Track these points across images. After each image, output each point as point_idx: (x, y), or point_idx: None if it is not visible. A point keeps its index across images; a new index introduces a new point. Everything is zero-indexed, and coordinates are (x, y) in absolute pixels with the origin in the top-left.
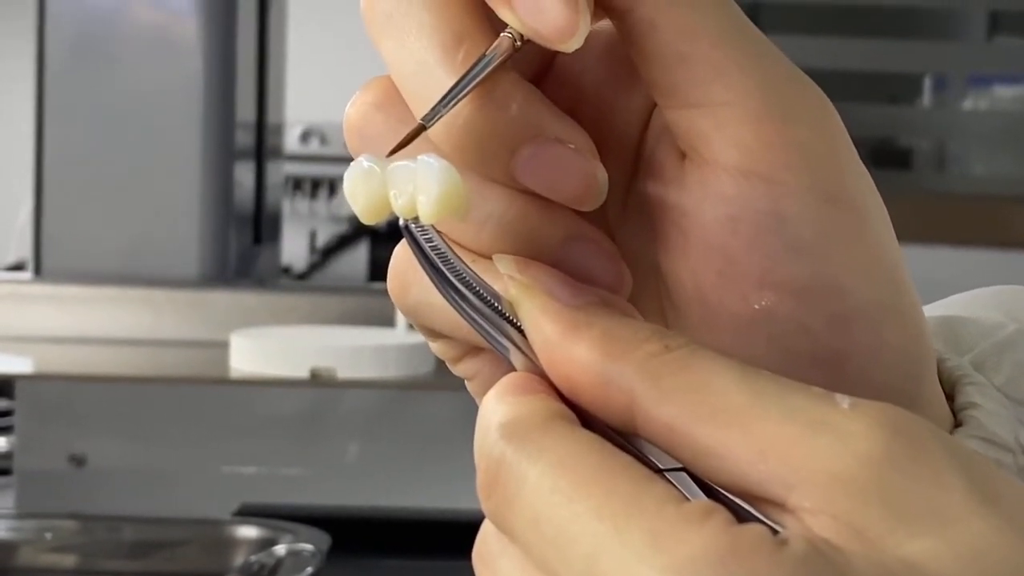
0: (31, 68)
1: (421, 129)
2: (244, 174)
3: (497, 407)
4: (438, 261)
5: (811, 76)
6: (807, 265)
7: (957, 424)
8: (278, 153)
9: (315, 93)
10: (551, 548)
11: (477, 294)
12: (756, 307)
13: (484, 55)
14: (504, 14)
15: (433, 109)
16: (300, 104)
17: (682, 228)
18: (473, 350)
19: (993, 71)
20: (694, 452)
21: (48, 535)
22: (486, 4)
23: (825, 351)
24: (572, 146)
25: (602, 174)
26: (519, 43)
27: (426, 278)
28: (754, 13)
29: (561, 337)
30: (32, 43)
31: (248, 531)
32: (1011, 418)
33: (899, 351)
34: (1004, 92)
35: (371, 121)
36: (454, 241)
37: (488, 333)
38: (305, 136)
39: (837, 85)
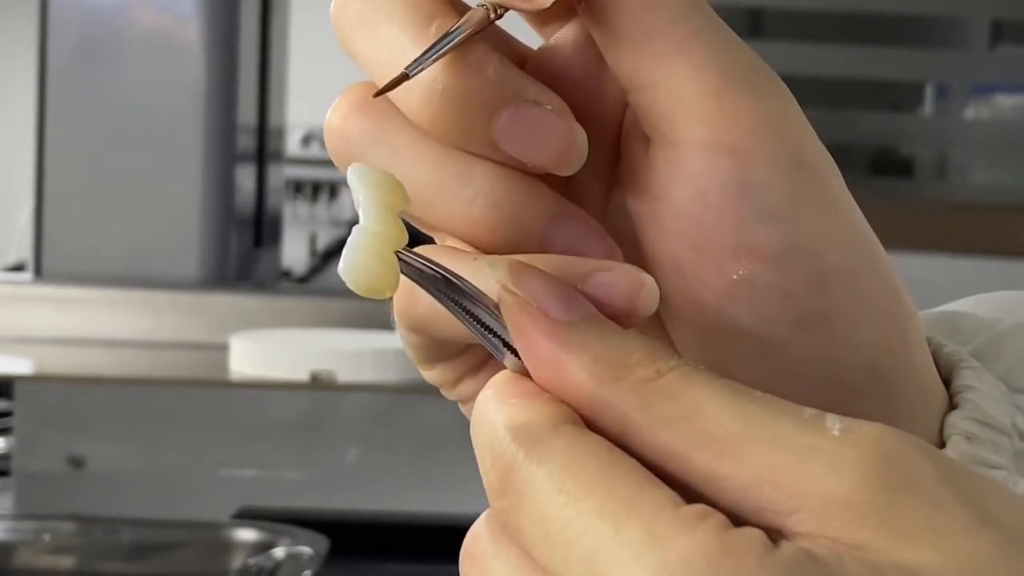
0: (33, 70)
1: (404, 77)
2: (245, 177)
3: (503, 409)
4: (431, 267)
5: (813, 83)
6: (780, 230)
7: (953, 407)
8: (279, 156)
9: (317, 97)
10: (555, 546)
11: (472, 299)
12: (734, 277)
13: (460, 21)
14: None
15: (416, 60)
16: (301, 108)
17: (655, 212)
18: (471, 370)
19: (995, 80)
20: (689, 479)
21: (46, 537)
22: None
23: (808, 314)
24: (549, 107)
25: (581, 135)
26: (493, 16)
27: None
28: (756, 20)
29: (553, 359)
30: (34, 45)
31: (247, 534)
32: (1009, 402)
33: (881, 309)
34: (1006, 101)
35: (351, 122)
36: (447, 230)
37: (485, 336)
38: (306, 140)
39: (839, 93)
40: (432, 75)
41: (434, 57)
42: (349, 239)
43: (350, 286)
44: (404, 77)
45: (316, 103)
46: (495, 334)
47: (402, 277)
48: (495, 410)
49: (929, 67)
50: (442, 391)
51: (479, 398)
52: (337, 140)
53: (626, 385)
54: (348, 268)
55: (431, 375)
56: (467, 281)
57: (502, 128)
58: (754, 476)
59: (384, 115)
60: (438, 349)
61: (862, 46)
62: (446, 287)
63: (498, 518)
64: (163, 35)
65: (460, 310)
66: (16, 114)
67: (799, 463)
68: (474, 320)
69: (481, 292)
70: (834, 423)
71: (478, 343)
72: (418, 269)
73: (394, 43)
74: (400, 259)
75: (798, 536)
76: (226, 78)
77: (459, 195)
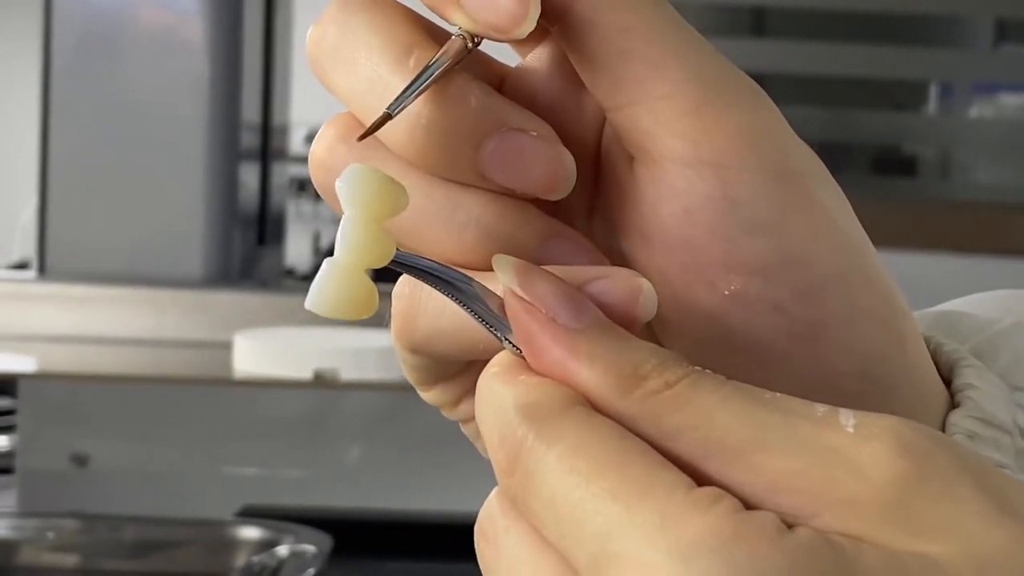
0: (36, 68)
1: (388, 118)
2: (249, 175)
3: (511, 386)
4: (434, 266)
5: (816, 82)
6: (767, 243)
7: (954, 405)
8: (283, 155)
9: (320, 95)
10: (565, 526)
11: (475, 299)
12: (726, 293)
13: (438, 53)
14: (454, 16)
15: (397, 99)
16: (305, 106)
17: (642, 230)
18: (470, 390)
19: (999, 79)
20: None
21: (50, 534)
22: (430, 24)
23: (800, 325)
24: (535, 134)
25: (568, 159)
26: (470, 45)
27: (431, 306)
28: (759, 19)
29: (563, 368)
30: (37, 43)
31: (250, 532)
32: (1009, 400)
33: (873, 315)
34: (1010, 100)
35: (335, 153)
36: (439, 257)
37: (489, 328)
38: (310, 138)
39: (842, 92)
40: (414, 110)
41: (415, 93)
42: (320, 271)
43: (321, 314)
44: (387, 117)
45: (320, 101)
46: (498, 328)
47: (403, 297)
48: (502, 388)
49: (933, 66)
50: (442, 412)
51: (483, 376)
52: (322, 172)
53: (636, 397)
54: (314, 301)
55: (430, 396)
56: (470, 281)
57: (488, 158)
58: (770, 482)
59: (370, 145)
60: (438, 370)
61: (866, 45)
62: (447, 288)
63: (507, 495)
64: (167, 33)
65: (462, 306)
66: (19, 112)
67: (815, 466)
68: (476, 316)
69: (485, 288)
70: (848, 419)
71: (477, 362)
72: (419, 270)
73: (374, 77)
74: (400, 261)
75: None
76: (230, 76)
77: (450, 222)
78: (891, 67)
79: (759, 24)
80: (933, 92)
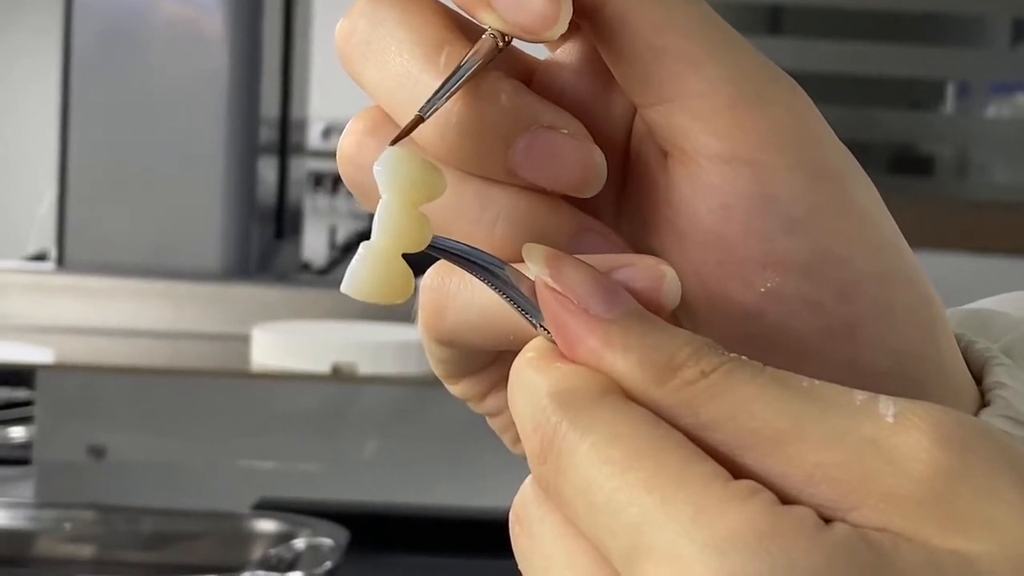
0: (56, 62)
1: (419, 120)
2: (267, 169)
3: (545, 373)
4: (469, 250)
5: (833, 81)
6: (806, 241)
7: (985, 404)
8: (301, 149)
9: (338, 90)
10: (599, 516)
11: (508, 283)
12: (762, 290)
13: (469, 53)
14: (485, 16)
15: (429, 101)
16: (323, 101)
17: (676, 226)
18: (498, 383)
19: (1016, 79)
20: (742, 478)
21: (67, 525)
22: (461, 19)
23: (836, 323)
24: (566, 131)
25: (599, 157)
26: (501, 44)
27: (460, 298)
28: (776, 17)
29: (597, 360)
30: (57, 37)
31: (267, 525)
32: None
33: (910, 313)
34: None
35: (365, 148)
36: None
37: (523, 313)
38: (327, 133)
39: (859, 90)
40: (445, 108)
41: (447, 95)
42: (356, 255)
43: (357, 298)
44: (419, 120)
45: (337, 96)
46: (532, 314)
47: (432, 288)
48: (536, 375)
49: (950, 65)
50: (469, 405)
51: (516, 362)
52: (351, 167)
53: (672, 387)
54: (350, 284)
55: (457, 389)
56: (503, 266)
57: (519, 156)
58: (808, 474)
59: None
60: (465, 362)
61: (883, 43)
62: (483, 273)
63: (540, 483)
64: (187, 26)
65: (497, 291)
66: (39, 105)
67: (854, 458)
68: (511, 301)
69: (518, 273)
70: (887, 407)
71: (505, 354)
72: (454, 254)
73: (404, 74)
74: (436, 246)
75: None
76: (249, 70)
77: (480, 218)
78: (908, 66)
79: (775, 23)
80: (950, 91)
